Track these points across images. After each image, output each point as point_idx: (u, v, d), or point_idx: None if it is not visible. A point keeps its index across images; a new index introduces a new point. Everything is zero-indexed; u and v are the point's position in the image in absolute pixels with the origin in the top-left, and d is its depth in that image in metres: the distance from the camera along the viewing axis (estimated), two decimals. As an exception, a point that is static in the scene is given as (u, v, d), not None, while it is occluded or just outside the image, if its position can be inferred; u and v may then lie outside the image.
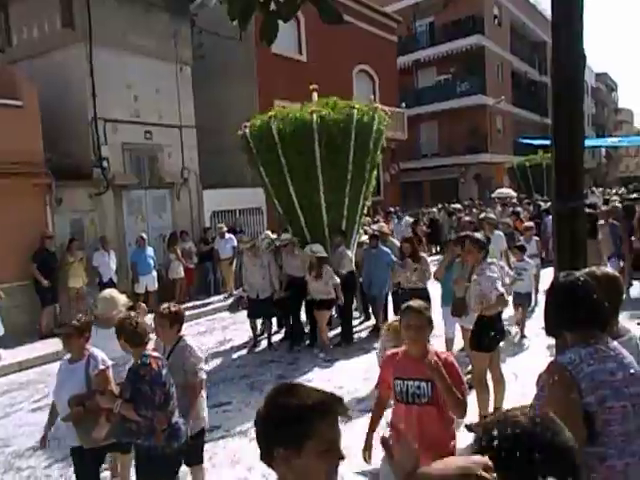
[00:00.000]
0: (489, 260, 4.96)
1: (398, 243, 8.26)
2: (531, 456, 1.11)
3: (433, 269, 6.93)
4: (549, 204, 11.61)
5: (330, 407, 1.39)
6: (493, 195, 22.01)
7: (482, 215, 10.27)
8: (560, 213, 3.30)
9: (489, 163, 27.06)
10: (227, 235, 11.94)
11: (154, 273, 10.82)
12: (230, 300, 10.05)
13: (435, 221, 16.57)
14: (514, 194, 21.36)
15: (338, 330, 8.53)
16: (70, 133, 10.87)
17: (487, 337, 4.70)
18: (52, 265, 9.45)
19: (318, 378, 6.58)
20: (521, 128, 31.53)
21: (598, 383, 1.93)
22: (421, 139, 28.23)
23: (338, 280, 7.54)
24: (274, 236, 8.90)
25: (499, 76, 29.07)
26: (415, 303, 3.07)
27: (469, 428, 4.65)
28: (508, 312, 6.54)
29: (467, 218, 9.35)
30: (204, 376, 3.78)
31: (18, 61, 11.38)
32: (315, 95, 8.43)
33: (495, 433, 1.17)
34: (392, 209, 16.84)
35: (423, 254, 7.11)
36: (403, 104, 21.43)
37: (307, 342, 8.16)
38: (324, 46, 16.62)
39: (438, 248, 16.91)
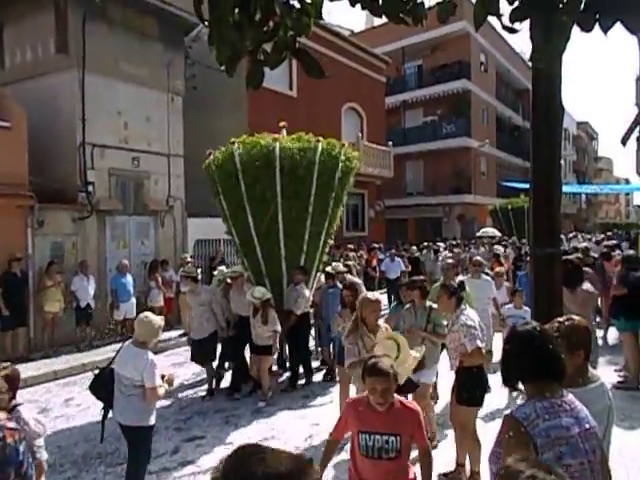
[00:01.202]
0: (462, 307, 4.68)
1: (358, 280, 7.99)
2: None
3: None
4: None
5: (301, 477, 1.17)
6: (478, 234, 22.35)
7: (466, 256, 10.30)
8: (538, 258, 3.38)
9: (473, 204, 27.52)
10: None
11: (133, 300, 10.69)
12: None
13: (415, 259, 16.70)
14: (498, 234, 21.69)
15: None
16: (57, 156, 10.86)
17: (478, 390, 4.44)
18: (19, 289, 9.28)
19: (294, 415, 6.48)
20: (504, 171, 32.26)
21: (554, 439, 1.89)
22: (407, 178, 28.69)
23: (279, 328, 6.97)
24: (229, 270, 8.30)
25: (484, 120, 29.86)
26: (381, 364, 2.82)
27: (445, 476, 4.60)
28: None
29: (450, 260, 8.74)
30: (44, 456, 3.38)
31: (9, 83, 11.42)
32: (284, 132, 8.22)
33: None
34: (376, 245, 16.95)
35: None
36: (390, 143, 21.85)
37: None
38: (314, 82, 16.95)
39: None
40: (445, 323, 5.13)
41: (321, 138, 7.86)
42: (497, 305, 7.39)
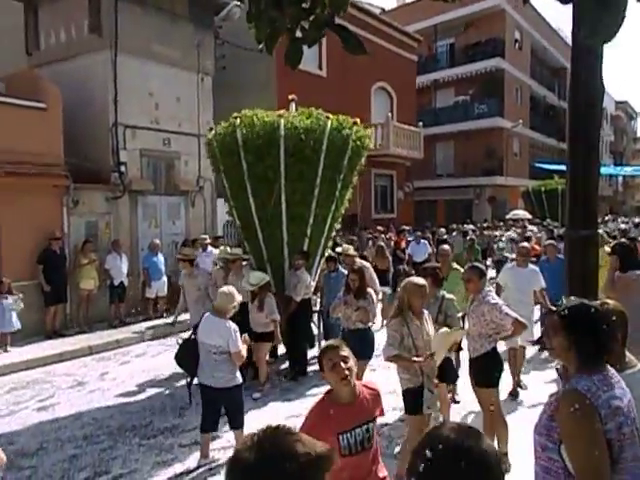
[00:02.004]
0: (487, 288, 4.54)
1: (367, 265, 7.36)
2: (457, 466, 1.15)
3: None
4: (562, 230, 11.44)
5: (329, 463, 1.18)
6: (508, 216, 21.97)
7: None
8: (573, 241, 3.30)
9: (504, 186, 26.99)
10: (209, 248, 10.85)
11: (164, 279, 10.92)
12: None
13: (443, 241, 16.52)
14: (529, 216, 21.28)
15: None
16: (91, 137, 11.05)
17: (496, 371, 4.43)
18: (58, 266, 9.55)
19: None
20: (537, 152, 31.47)
21: (614, 409, 1.93)
22: (437, 159, 28.27)
23: (277, 316, 6.60)
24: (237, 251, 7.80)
25: (518, 99, 29.10)
26: (332, 341, 2.82)
27: None
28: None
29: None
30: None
31: (44, 65, 11.63)
32: (294, 106, 7.79)
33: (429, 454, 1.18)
34: (405, 227, 16.81)
35: (370, 290, 5.92)
36: (420, 123, 21.51)
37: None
38: (344, 62, 16.77)
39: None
40: (459, 314, 4.91)
41: (330, 115, 7.29)
42: (544, 297, 6.64)
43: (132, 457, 4.94)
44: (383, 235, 14.51)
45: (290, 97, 7.85)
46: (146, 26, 11.43)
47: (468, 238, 14.14)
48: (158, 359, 8.28)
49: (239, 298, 4.78)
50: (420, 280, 4.31)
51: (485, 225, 19.80)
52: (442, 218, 25.96)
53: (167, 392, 6.80)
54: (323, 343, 6.97)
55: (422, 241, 14.10)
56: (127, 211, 11.32)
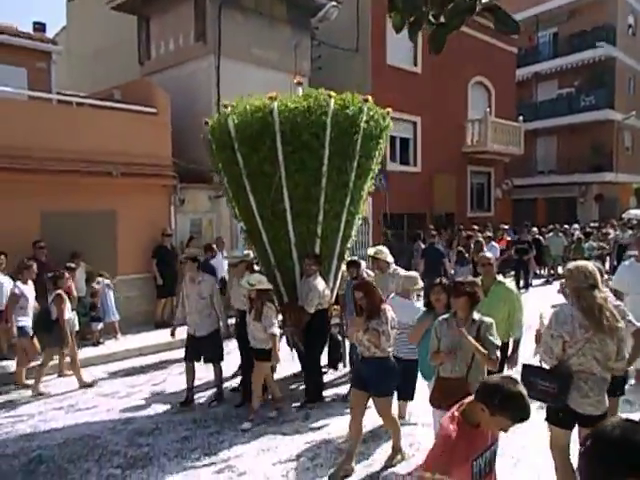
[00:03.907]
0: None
1: (404, 273, 5.90)
2: None
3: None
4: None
5: None
6: (623, 215, 20.54)
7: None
8: None
9: (614, 183, 25.07)
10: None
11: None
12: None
13: (537, 240, 15.70)
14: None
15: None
16: (195, 139, 11.62)
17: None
18: (169, 261, 10.15)
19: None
20: (653, 146, 28.93)
21: None
22: (537, 155, 26.85)
23: (277, 330, 5.65)
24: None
25: (630, 89, 26.91)
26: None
27: None
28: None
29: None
30: None
31: (154, 73, 12.46)
32: (300, 90, 6.71)
33: None
34: (504, 226, 16.14)
35: (385, 305, 4.57)
36: (520, 118, 20.55)
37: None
38: (440, 57, 16.29)
39: (545, 271, 16.18)
40: (498, 342, 3.81)
41: (332, 93, 6.12)
42: None
43: (238, 442, 5.15)
44: (480, 234, 13.98)
45: (296, 80, 6.70)
46: (246, 31, 11.89)
47: (575, 237, 13.31)
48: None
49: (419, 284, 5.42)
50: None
51: (597, 225, 18.63)
52: (543, 217, 24.60)
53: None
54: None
55: (493, 243, 12.82)
56: (228, 210, 11.79)
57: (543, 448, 3.86)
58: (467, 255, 10.92)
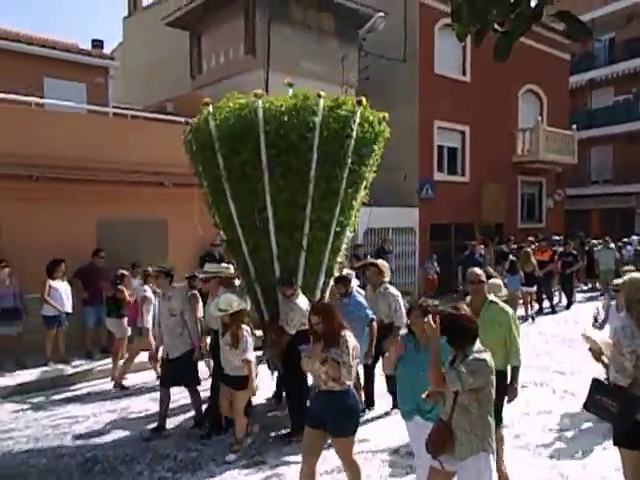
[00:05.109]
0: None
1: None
2: None
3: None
4: None
5: None
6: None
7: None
8: None
9: (674, 193, 23.91)
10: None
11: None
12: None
13: (587, 252, 15.09)
14: None
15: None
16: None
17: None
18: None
19: None
20: None
21: None
22: (591, 164, 25.94)
23: (251, 356, 5.06)
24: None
25: (693, 95, 25.67)
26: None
27: None
28: None
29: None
30: None
31: (204, 86, 12.82)
32: (290, 92, 6.08)
33: None
34: (557, 237, 15.66)
35: (345, 331, 3.95)
36: (574, 126, 19.93)
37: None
38: (489, 65, 16.04)
39: (595, 284, 15.62)
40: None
41: (323, 93, 5.63)
42: None
43: (285, 451, 5.20)
44: (533, 245, 13.60)
45: (286, 82, 6.23)
46: (295, 44, 12.09)
47: (633, 249, 12.78)
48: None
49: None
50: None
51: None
52: (596, 228, 23.70)
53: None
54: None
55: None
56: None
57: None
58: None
